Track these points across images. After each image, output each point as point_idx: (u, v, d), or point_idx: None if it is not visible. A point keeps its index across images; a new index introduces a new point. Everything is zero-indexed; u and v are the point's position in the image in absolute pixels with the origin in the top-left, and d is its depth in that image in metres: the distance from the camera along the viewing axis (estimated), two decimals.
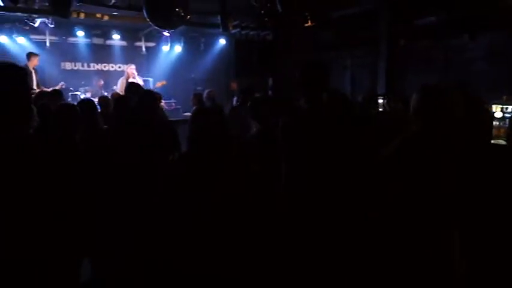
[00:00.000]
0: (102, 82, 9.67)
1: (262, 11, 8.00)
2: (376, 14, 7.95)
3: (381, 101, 5.57)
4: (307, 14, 7.54)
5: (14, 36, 8.99)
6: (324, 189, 2.35)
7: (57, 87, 7.70)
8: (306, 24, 7.57)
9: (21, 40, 9.17)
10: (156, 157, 2.30)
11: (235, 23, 8.71)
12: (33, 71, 7.62)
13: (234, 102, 6.19)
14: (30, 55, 7.76)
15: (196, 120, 2.31)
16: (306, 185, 2.38)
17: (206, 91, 6.33)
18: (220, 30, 8.27)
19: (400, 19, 7.83)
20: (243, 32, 9.49)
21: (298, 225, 2.34)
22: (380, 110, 5.31)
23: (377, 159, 2.10)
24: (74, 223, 2.00)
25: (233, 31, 9.00)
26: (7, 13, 7.99)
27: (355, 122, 3.03)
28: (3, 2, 6.86)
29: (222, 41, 10.81)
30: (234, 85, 9.19)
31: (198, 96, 6.24)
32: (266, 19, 8.37)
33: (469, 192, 1.96)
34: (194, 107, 6.32)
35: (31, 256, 1.76)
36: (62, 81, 8.60)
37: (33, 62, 7.69)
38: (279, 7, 6.29)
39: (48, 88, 7.50)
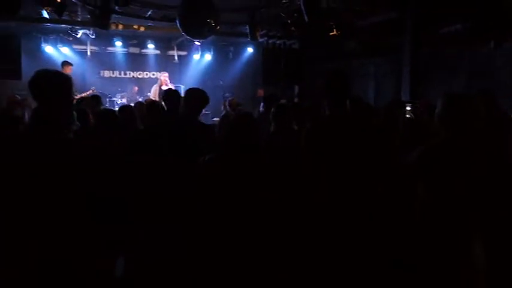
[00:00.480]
0: (137, 88, 9.94)
1: (289, 21, 8.01)
2: (400, 22, 7.80)
3: (405, 108, 5.44)
4: (332, 23, 7.50)
5: (58, 46, 9.43)
6: (346, 196, 2.31)
7: (88, 92, 7.96)
8: (332, 33, 7.52)
9: (65, 50, 9.60)
10: (193, 158, 2.32)
11: (262, 32, 8.76)
12: None
13: (261, 108, 6.19)
14: (63, 64, 8.04)
15: (229, 123, 2.31)
16: (328, 192, 2.34)
17: (228, 99, 6.41)
18: (249, 39, 8.33)
19: (424, 27, 7.65)
20: (270, 41, 9.53)
21: (320, 232, 2.30)
22: (405, 117, 5.19)
23: (401, 167, 2.05)
24: (112, 222, 2.05)
25: (261, 40, 9.06)
26: (53, 25, 8.37)
27: (379, 129, 2.96)
28: (49, 15, 7.15)
29: (250, 50, 10.91)
30: (260, 92, 9.22)
31: (233, 103, 6.35)
32: (293, 28, 8.36)
33: (494, 200, 1.88)
34: (224, 112, 6.39)
35: (72, 254, 1.81)
36: (100, 88, 8.88)
37: (66, 71, 7.94)
38: (305, 17, 6.27)
39: (82, 94, 7.77)
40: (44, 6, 6.51)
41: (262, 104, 6.30)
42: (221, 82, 10.48)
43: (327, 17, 7.17)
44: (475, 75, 7.74)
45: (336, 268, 2.24)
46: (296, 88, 9.87)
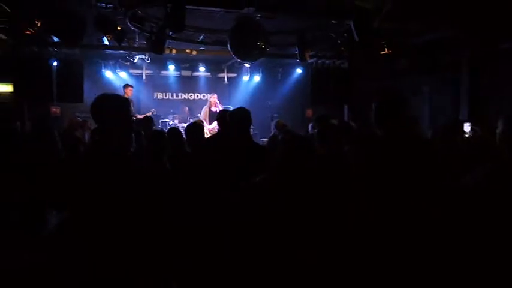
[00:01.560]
0: (187, 109, 10.29)
1: (339, 41, 7.99)
2: (456, 39, 7.52)
3: (465, 128, 5.19)
4: (383, 42, 7.38)
5: (117, 70, 10.07)
6: (400, 219, 2.20)
7: (148, 114, 8.41)
8: (383, 52, 7.40)
9: (123, 74, 10.26)
10: (245, 179, 2.34)
11: (311, 53, 8.79)
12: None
13: (310, 129, 6.17)
14: (125, 86, 8.58)
15: (280, 145, 2.31)
16: (380, 215, 2.24)
17: (274, 121, 6.44)
18: (298, 60, 8.39)
19: (482, 43, 7.32)
20: (319, 61, 9.53)
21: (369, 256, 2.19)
22: (464, 137, 4.95)
23: (461, 189, 1.95)
24: (166, 244, 2.11)
25: (310, 60, 9.08)
26: (112, 51, 8.98)
27: (434, 150, 2.84)
28: (109, 42, 7.69)
29: (299, 70, 10.99)
30: (309, 112, 9.21)
31: (280, 124, 6.36)
32: (342, 48, 8.32)
33: None
34: (274, 132, 6.43)
35: (128, 274, 1.88)
36: (156, 109, 9.36)
37: (128, 93, 8.42)
38: (355, 36, 6.23)
39: (142, 115, 8.21)
40: (105, 34, 7.01)
41: (310, 124, 6.29)
42: (269, 103, 10.62)
43: (378, 36, 7.08)
44: None
45: None
46: (345, 108, 9.74)
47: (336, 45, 8.44)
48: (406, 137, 2.39)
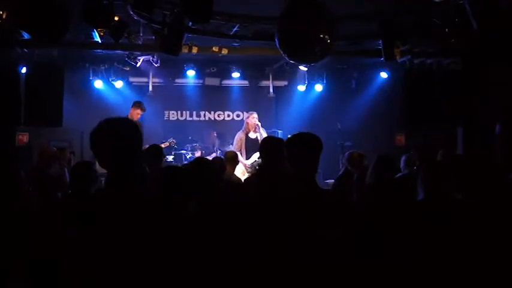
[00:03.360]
0: (214, 135, 10.34)
1: (447, 29, 7.92)
2: None
3: None
4: None
5: (111, 79, 10.44)
6: None
7: (163, 145, 8.62)
8: None
9: (119, 84, 10.58)
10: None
11: (403, 48, 8.76)
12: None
13: (402, 164, 6.08)
14: (136, 105, 9.00)
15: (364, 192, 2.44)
16: None
17: (346, 153, 6.37)
18: (382, 59, 8.38)
19: None
20: (416, 61, 9.46)
21: None
22: None
23: None
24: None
25: (401, 59, 9.04)
26: (106, 52, 9.36)
27: None
28: (102, 39, 7.97)
29: (384, 75, 11.01)
30: (400, 139, 9.11)
31: (355, 157, 6.23)
32: (453, 40, 8.24)
33: None
34: (344, 169, 6.39)
35: None
36: (164, 135, 9.55)
37: (135, 115, 8.74)
38: (473, 22, 6.18)
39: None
40: (96, 27, 7.31)
41: (403, 158, 6.22)
42: (339, 126, 10.59)
43: (509, 22, 6.96)
44: None
45: None
46: (459, 131, 9.53)
47: (442, 36, 8.37)
48: None
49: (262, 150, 4.34)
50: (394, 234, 2.69)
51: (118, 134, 2.19)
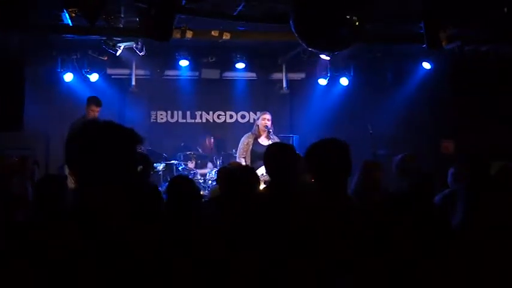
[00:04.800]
0: (212, 141, 10.35)
1: (506, 9, 7.95)
2: None
3: None
4: None
5: (84, 71, 10.48)
6: None
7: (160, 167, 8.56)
8: None
9: (94, 77, 10.63)
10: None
11: (451, 32, 8.78)
12: None
13: (450, 179, 6.10)
14: (88, 100, 9.22)
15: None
16: None
17: (399, 157, 6.33)
18: (424, 46, 8.41)
19: None
20: (467, 48, 9.48)
21: None
22: None
23: None
24: None
25: (448, 46, 9.06)
26: (78, 37, 9.36)
27: None
28: (73, 21, 8.00)
29: (426, 66, 11.05)
30: (448, 146, 9.12)
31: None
32: None
33: None
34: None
35: None
36: (149, 142, 9.56)
37: (92, 110, 8.93)
38: None
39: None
40: (67, 7, 7.34)
41: (451, 171, 6.24)
42: (370, 129, 10.61)
43: None
44: None
45: None
46: None
47: (499, 19, 8.39)
48: None
49: (267, 160, 4.39)
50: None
51: (111, 139, 2.15)
